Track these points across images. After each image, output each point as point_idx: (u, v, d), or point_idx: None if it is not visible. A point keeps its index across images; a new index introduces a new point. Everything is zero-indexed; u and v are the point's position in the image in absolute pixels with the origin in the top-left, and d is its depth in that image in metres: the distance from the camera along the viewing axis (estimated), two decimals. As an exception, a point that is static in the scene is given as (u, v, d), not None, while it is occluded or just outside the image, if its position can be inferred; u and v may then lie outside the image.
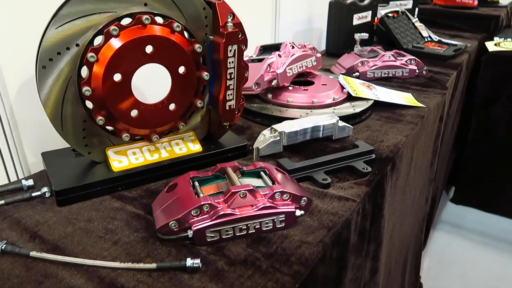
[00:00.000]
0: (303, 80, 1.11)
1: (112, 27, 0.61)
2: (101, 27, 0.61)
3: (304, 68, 1.06)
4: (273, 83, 0.98)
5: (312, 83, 1.08)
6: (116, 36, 0.62)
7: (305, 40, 1.65)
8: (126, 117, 0.67)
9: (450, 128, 1.68)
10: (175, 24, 0.66)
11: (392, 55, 1.26)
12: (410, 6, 1.92)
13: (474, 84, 1.90)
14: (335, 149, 0.83)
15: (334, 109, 0.97)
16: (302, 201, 0.61)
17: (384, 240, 0.85)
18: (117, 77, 0.64)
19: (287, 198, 0.59)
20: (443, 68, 1.42)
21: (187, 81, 0.71)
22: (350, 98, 1.02)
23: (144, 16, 0.63)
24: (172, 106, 0.72)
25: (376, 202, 0.75)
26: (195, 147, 0.76)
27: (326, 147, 0.84)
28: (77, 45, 0.60)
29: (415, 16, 1.92)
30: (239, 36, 0.71)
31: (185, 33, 0.69)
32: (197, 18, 0.70)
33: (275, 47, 1.09)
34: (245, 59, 1.06)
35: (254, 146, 0.78)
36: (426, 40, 1.68)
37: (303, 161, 0.75)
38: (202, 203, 0.55)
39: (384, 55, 1.26)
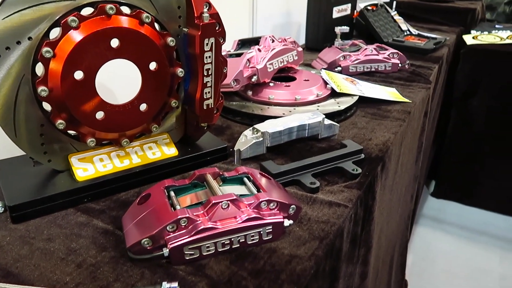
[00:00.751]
0: (284, 75, 1.05)
1: (70, 18, 0.54)
2: (57, 17, 0.54)
3: (285, 63, 1.01)
4: (253, 79, 0.92)
5: (294, 78, 1.03)
6: (75, 28, 0.54)
7: (284, 34, 1.59)
8: (91, 120, 0.60)
9: (432, 122, 1.67)
10: (144, 14, 0.59)
11: (375, 48, 1.22)
12: (388, -1, 1.90)
13: (453, 77, 1.89)
14: (321, 149, 0.78)
15: (318, 106, 0.91)
16: (291, 210, 0.55)
17: (374, 243, 0.81)
18: (79, 74, 0.56)
19: (274, 207, 0.53)
20: (424, 61, 1.39)
21: (159, 78, 0.64)
22: (334, 94, 0.97)
23: (108, 5, 0.56)
24: (143, 107, 0.64)
25: (367, 205, 0.70)
26: (170, 151, 0.69)
27: (312, 147, 0.79)
28: (30, 38, 0.53)
29: (393, 10, 1.89)
30: (217, 28, 0.64)
31: (156, 25, 0.62)
32: (169, 8, 0.63)
33: (254, 41, 1.02)
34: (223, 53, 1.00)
35: (235, 148, 0.72)
36: (405, 33, 1.65)
37: (289, 163, 0.70)
38: (179, 216, 0.48)
39: (366, 48, 1.21)
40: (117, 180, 0.62)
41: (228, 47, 1.05)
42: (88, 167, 0.62)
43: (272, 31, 1.51)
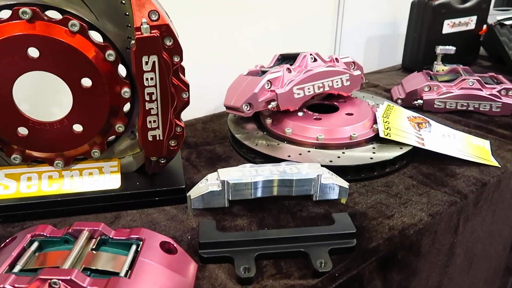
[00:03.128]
0: (327, 104, 0.84)
1: (-22, 22, 0.47)
2: (-32, 20, 0.48)
3: (326, 88, 0.79)
4: (270, 106, 0.74)
5: (336, 109, 0.81)
6: (-13, 33, 0.48)
7: (379, 50, 1.32)
8: (11, 135, 0.54)
9: None
10: (71, 21, 0.49)
11: (478, 81, 0.89)
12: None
13: None
14: (312, 218, 0.57)
15: (344, 151, 0.69)
16: (160, 312, 0.39)
17: None
18: (-11, 85, 0.50)
19: (129, 303, 0.38)
20: None
21: (95, 97, 0.53)
22: (379, 138, 0.72)
23: (22, 9, 0.47)
24: (77, 127, 0.55)
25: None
26: (112, 183, 0.58)
27: (302, 211, 0.59)
28: None
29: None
30: (168, 43, 0.50)
31: (97, 35, 0.51)
32: (112, 15, 0.51)
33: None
34: (255, 68, 0.85)
35: (188, 194, 0.57)
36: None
37: (239, 232, 0.52)
38: (-3, 286, 0.37)
39: (464, 79, 0.89)
40: (25, 207, 0.54)
41: (268, 60, 0.88)
42: (11, 184, 0.56)
43: (362, 44, 1.26)
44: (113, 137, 0.58)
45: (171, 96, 0.53)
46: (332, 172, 0.60)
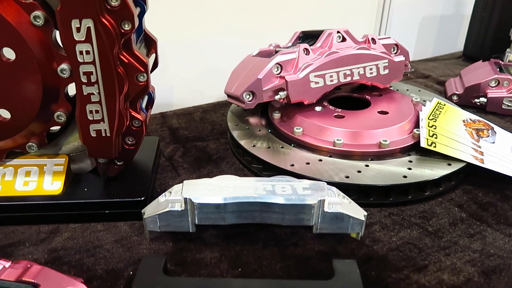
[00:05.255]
0: (358, 97, 0.66)
1: None
2: None
3: (356, 77, 0.61)
4: (277, 97, 0.58)
5: (367, 105, 0.62)
6: None
7: (436, 32, 1.09)
8: None
9: None
10: (-22, -32, 0.35)
11: None
12: None
13: None
14: (306, 258, 0.41)
15: (369, 164, 0.51)
16: None
17: None
18: None
19: None
20: None
21: (22, 75, 0.40)
22: (421, 148, 0.53)
23: None
24: (3, 113, 0.42)
25: None
26: (53, 186, 0.45)
27: (297, 245, 0.43)
28: None
29: None
30: (107, 2, 0.35)
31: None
32: (40, -39, 0.37)
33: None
34: (268, 48, 0.68)
35: (143, 210, 0.43)
36: None
37: (192, 279, 0.37)
38: None
39: (548, 74, 0.67)
40: None
41: (286, 38, 0.71)
42: None
43: (416, 25, 1.04)
44: (56, 128, 0.45)
45: (118, 78, 0.38)
46: (344, 195, 0.43)
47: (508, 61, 0.77)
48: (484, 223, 0.46)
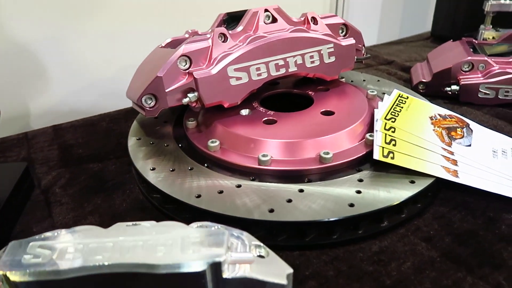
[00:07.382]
0: (300, 94, 0.52)
1: None
2: None
3: (293, 68, 0.47)
4: (185, 100, 0.43)
5: (309, 103, 0.49)
6: None
7: (401, 12, 0.96)
8: None
9: None
10: None
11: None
12: None
13: None
14: None
15: (304, 188, 0.37)
16: None
17: None
18: None
19: None
20: None
21: None
22: (375, 160, 0.39)
23: None
24: None
25: None
26: None
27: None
28: None
29: None
30: None
31: None
32: None
33: (249, 17, 0.51)
34: (182, 36, 0.54)
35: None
36: None
37: None
38: None
39: (533, 52, 0.54)
40: None
41: (208, 24, 0.56)
42: None
43: (375, 6, 0.91)
44: None
45: None
46: (260, 244, 0.29)
47: (483, 39, 0.64)
48: (462, 266, 0.33)
